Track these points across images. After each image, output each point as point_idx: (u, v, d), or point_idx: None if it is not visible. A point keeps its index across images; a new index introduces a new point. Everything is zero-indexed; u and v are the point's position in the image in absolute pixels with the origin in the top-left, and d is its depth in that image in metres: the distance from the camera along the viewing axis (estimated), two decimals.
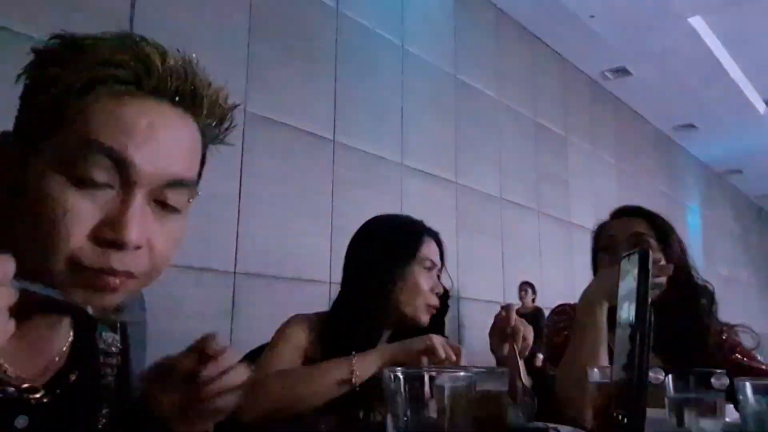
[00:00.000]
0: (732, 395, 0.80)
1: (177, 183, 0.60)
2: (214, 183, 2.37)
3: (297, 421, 1.24)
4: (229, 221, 2.21)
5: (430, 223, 1.54)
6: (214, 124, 0.64)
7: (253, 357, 1.36)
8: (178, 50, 0.62)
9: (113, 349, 0.71)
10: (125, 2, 1.98)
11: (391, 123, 2.97)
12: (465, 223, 3.29)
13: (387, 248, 1.39)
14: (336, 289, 1.51)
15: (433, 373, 0.64)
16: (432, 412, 0.62)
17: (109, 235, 0.56)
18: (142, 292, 0.84)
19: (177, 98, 0.60)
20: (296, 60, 2.54)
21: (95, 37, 0.59)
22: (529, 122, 4.02)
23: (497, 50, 3.80)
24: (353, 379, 1.17)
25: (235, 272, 2.19)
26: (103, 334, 0.69)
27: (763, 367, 1.44)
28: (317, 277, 2.36)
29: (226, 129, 0.66)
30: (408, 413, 0.62)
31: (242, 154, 2.28)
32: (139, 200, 0.57)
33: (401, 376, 0.64)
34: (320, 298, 1.48)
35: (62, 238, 0.55)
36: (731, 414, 0.83)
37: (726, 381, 0.79)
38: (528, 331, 1.28)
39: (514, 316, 1.27)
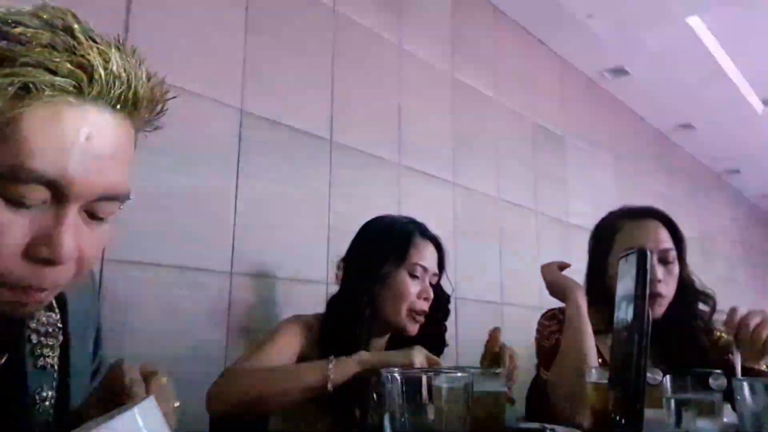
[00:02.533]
0: (729, 395, 0.79)
1: (109, 197, 0.59)
2: (210, 183, 2.38)
3: (295, 421, 1.23)
4: (225, 221, 2.20)
5: (428, 223, 1.52)
6: (147, 116, 0.63)
7: None
8: (120, 43, 0.59)
9: (51, 329, 0.69)
10: (121, 0, 1.97)
11: (388, 123, 2.96)
12: (462, 223, 3.28)
13: (374, 252, 1.38)
14: (333, 290, 1.50)
15: (431, 375, 0.64)
16: (429, 412, 0.62)
17: (43, 253, 0.54)
18: (94, 277, 0.84)
19: (118, 105, 0.57)
20: (292, 59, 2.53)
21: (19, 21, 0.53)
22: (527, 122, 4.01)
23: (495, 49, 3.79)
24: (328, 385, 1.16)
25: (231, 272, 2.18)
26: (36, 314, 0.68)
27: (757, 368, 1.45)
28: (314, 277, 2.35)
29: (158, 114, 0.63)
30: (405, 414, 0.62)
31: (238, 154, 2.28)
32: (72, 214, 0.56)
33: (399, 378, 0.63)
34: (317, 299, 1.48)
35: None
36: (728, 414, 0.83)
37: (724, 381, 0.79)
38: (513, 352, 1.27)
39: (500, 337, 1.27)
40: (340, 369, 1.18)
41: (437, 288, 1.46)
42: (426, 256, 1.41)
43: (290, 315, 1.43)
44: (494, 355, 1.25)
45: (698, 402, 0.81)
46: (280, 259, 2.35)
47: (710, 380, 0.79)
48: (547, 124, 4.19)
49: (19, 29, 0.52)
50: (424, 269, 1.40)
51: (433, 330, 1.45)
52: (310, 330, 1.37)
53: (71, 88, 0.53)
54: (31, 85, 0.51)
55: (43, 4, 0.56)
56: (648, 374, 0.72)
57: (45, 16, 0.55)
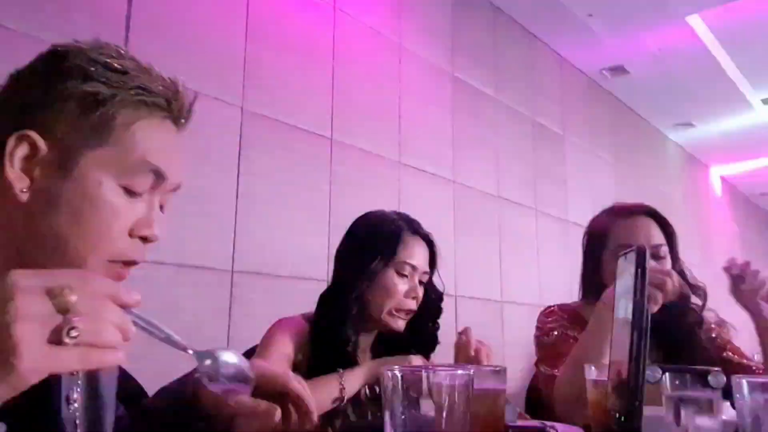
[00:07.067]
0: (728, 392, 0.80)
1: (174, 190, 0.75)
2: (211, 181, 2.38)
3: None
4: (226, 219, 2.20)
5: (428, 221, 1.51)
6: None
7: (250, 356, 1.36)
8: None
9: None
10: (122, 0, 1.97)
11: (388, 121, 2.97)
12: (462, 221, 3.29)
13: (362, 248, 1.36)
14: None
15: (431, 372, 0.64)
16: (429, 410, 0.62)
17: (144, 232, 0.69)
18: None
19: (182, 120, 0.74)
20: (293, 58, 2.54)
21: (121, 55, 0.69)
22: (527, 120, 4.02)
23: (495, 48, 3.79)
24: (344, 396, 1.20)
25: (232, 270, 2.18)
26: None
27: (753, 365, 1.46)
28: (315, 275, 2.35)
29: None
30: (405, 412, 0.62)
31: (239, 153, 2.28)
32: (157, 203, 0.72)
33: (399, 375, 0.64)
34: (318, 297, 1.47)
35: (111, 237, 0.66)
36: (727, 412, 0.84)
37: (723, 379, 0.79)
38: (489, 350, 1.27)
39: (473, 339, 1.26)
40: (351, 381, 1.22)
41: (428, 286, 1.44)
42: (415, 255, 1.38)
43: (277, 320, 1.41)
44: (468, 358, 1.23)
45: (697, 399, 0.81)
46: (281, 257, 2.36)
47: (709, 378, 0.79)
48: (546, 122, 4.19)
49: (116, 62, 0.68)
50: (413, 268, 1.37)
51: (425, 329, 1.44)
52: (299, 332, 1.35)
53: (164, 104, 0.71)
54: (142, 103, 0.68)
55: (97, 41, 0.70)
56: (647, 371, 0.72)
57: (122, 52, 0.70)
